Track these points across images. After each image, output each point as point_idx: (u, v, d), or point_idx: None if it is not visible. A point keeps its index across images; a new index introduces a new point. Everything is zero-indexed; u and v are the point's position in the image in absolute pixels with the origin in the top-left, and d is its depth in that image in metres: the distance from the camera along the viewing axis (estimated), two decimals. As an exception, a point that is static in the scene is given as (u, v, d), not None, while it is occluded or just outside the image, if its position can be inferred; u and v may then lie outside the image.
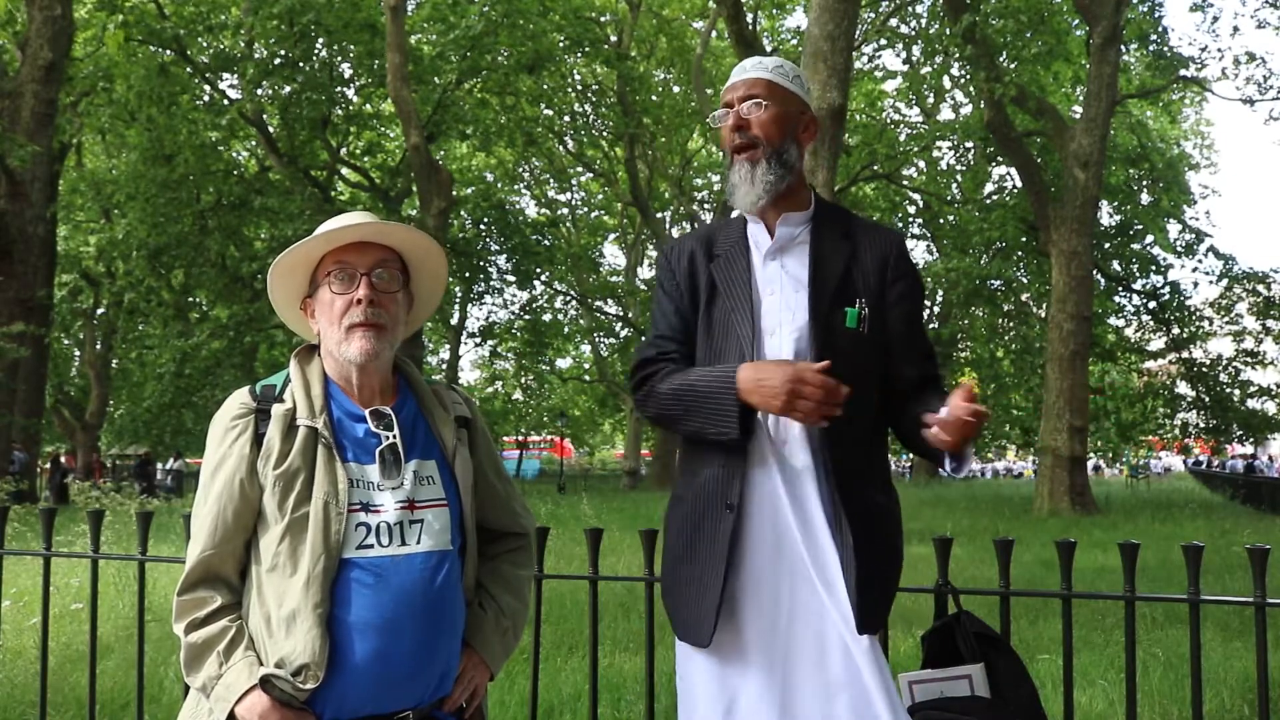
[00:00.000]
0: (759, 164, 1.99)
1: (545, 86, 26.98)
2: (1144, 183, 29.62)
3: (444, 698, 1.79)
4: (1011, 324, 30.36)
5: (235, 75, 24.00)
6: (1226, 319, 25.83)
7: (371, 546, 1.72)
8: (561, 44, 25.55)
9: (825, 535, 1.88)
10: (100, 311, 30.67)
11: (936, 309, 36.12)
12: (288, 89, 23.98)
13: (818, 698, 1.84)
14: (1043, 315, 27.19)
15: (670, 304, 2.10)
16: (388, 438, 1.79)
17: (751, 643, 1.90)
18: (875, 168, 28.08)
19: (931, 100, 32.32)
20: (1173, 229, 29.28)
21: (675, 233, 36.14)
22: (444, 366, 37.01)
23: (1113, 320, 28.69)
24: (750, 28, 17.74)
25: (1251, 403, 24.91)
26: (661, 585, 2.06)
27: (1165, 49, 22.24)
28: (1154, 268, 27.98)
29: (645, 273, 37.53)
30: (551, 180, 36.20)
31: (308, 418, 1.76)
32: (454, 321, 35.82)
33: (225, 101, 24.50)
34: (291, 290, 1.87)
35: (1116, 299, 28.08)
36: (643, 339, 2.19)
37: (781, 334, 1.97)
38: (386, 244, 1.84)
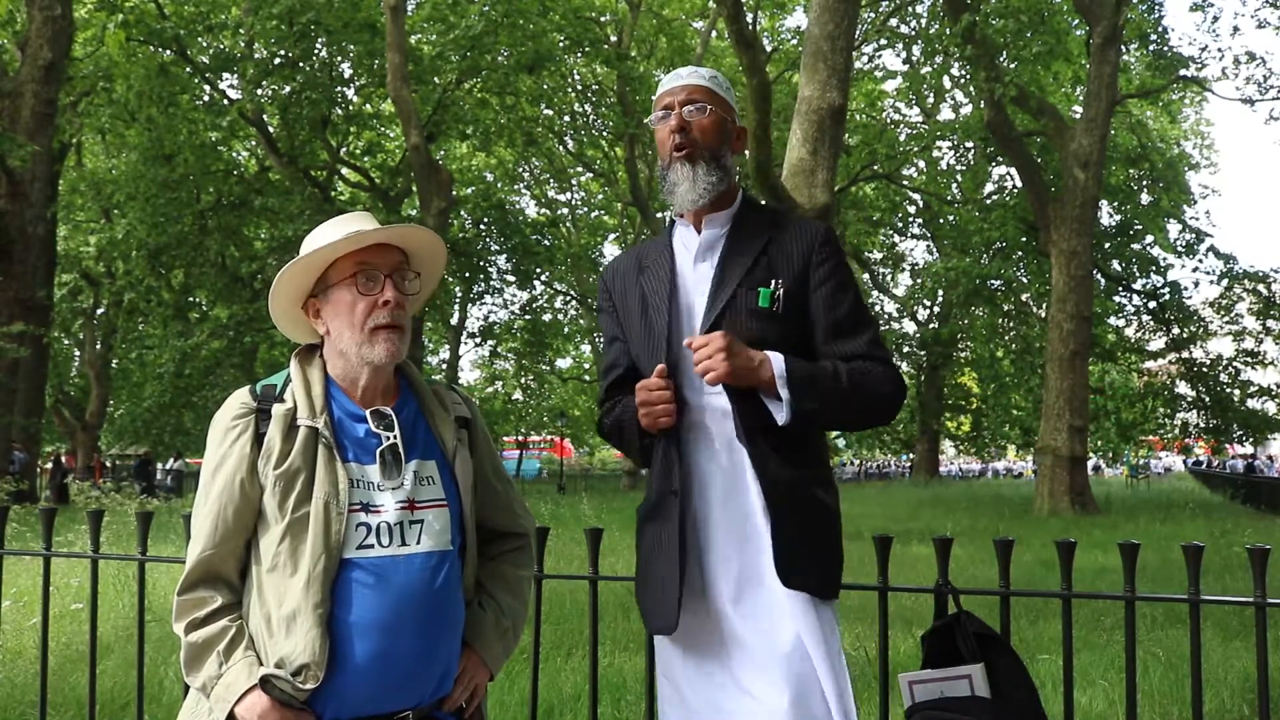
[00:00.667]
0: (699, 164, 2.03)
1: (545, 86, 26.98)
2: (1144, 183, 29.63)
3: (444, 698, 1.79)
4: (1011, 324, 30.37)
5: (235, 75, 24.00)
6: (1226, 319, 25.84)
7: (372, 547, 1.72)
8: (561, 44, 25.54)
9: (756, 509, 1.93)
10: (100, 311, 30.69)
11: (936, 309, 36.14)
12: (288, 89, 23.98)
13: (766, 668, 1.88)
14: (1043, 315, 27.20)
15: (608, 331, 2.20)
16: (388, 438, 1.79)
17: (711, 624, 1.95)
18: (875, 168, 28.09)
19: (931, 100, 32.33)
20: (1173, 229, 29.29)
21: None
22: (444, 366, 37.02)
23: (1113, 320, 28.69)
24: (750, 28, 17.73)
25: (1251, 403, 24.91)
26: (635, 585, 2.11)
27: (1165, 49, 22.23)
28: (1154, 268, 27.99)
29: (645, 273, 37.50)
30: (551, 180, 36.20)
31: (308, 417, 1.76)
32: (454, 321, 35.83)
33: (225, 101, 24.50)
34: (297, 290, 1.86)
35: (1116, 299, 28.08)
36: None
37: (705, 320, 2.00)
38: (403, 245, 1.85)
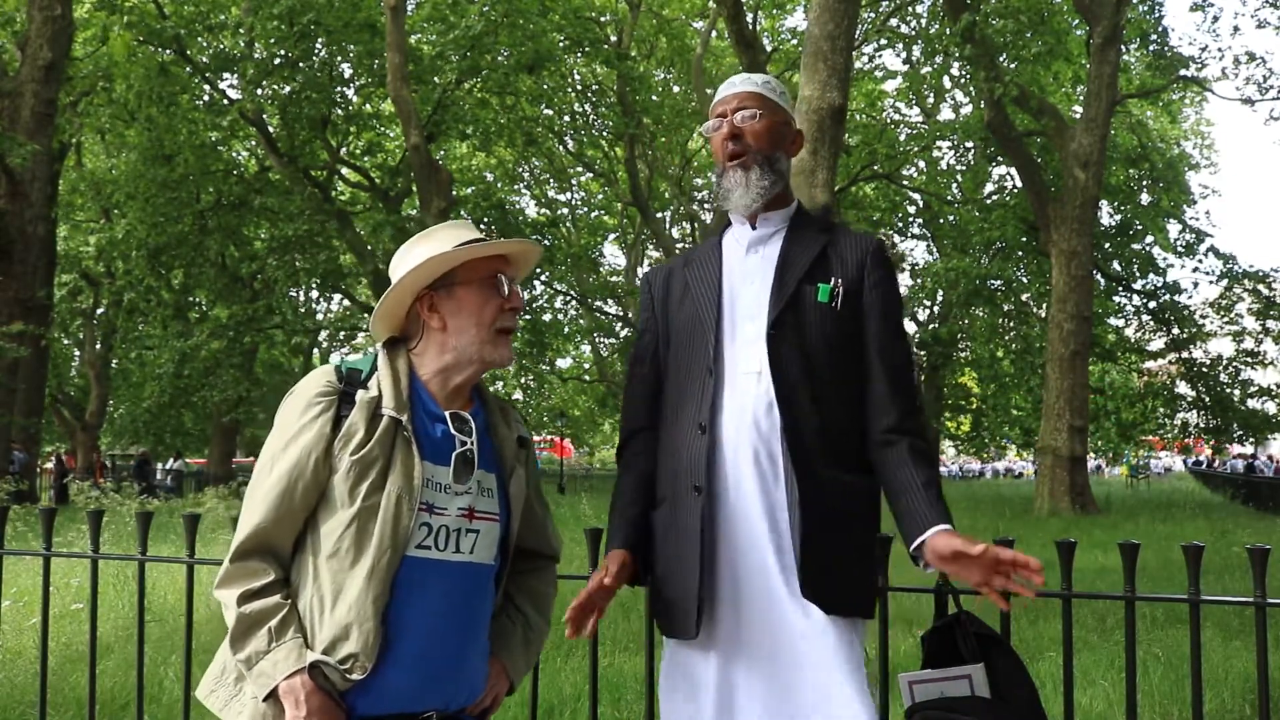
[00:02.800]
0: (751, 169, 2.03)
1: (545, 86, 26.97)
2: (1144, 183, 29.61)
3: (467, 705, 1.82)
4: (1011, 324, 30.35)
5: (235, 75, 23.99)
6: (1226, 319, 25.85)
7: (429, 548, 1.73)
8: (561, 44, 25.54)
9: (784, 519, 1.90)
10: (100, 311, 30.66)
11: (936, 309, 36.13)
12: (288, 89, 23.97)
13: (785, 686, 1.86)
14: (1043, 315, 27.19)
15: (642, 324, 2.18)
16: (465, 442, 1.81)
17: (728, 633, 1.92)
18: (875, 168, 28.09)
19: (931, 100, 32.32)
20: (1173, 229, 29.29)
21: (675, 233, 36.19)
22: (444, 367, 36.99)
23: (1113, 320, 28.69)
24: (750, 28, 17.74)
25: (1252, 403, 24.91)
26: (650, 588, 2.08)
27: (1165, 49, 22.24)
28: (1153, 270, 28.00)
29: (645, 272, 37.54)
30: (551, 180, 36.19)
31: (394, 409, 1.75)
32: (454, 321, 35.76)
33: (225, 101, 24.50)
34: (427, 279, 1.83)
35: (1116, 299, 28.07)
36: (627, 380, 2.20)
37: (760, 319, 1.98)
38: (517, 259, 1.92)
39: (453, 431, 1.80)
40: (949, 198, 31.87)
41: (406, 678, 1.69)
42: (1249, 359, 25.17)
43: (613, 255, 42.43)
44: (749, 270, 2.06)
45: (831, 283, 1.98)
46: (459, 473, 1.78)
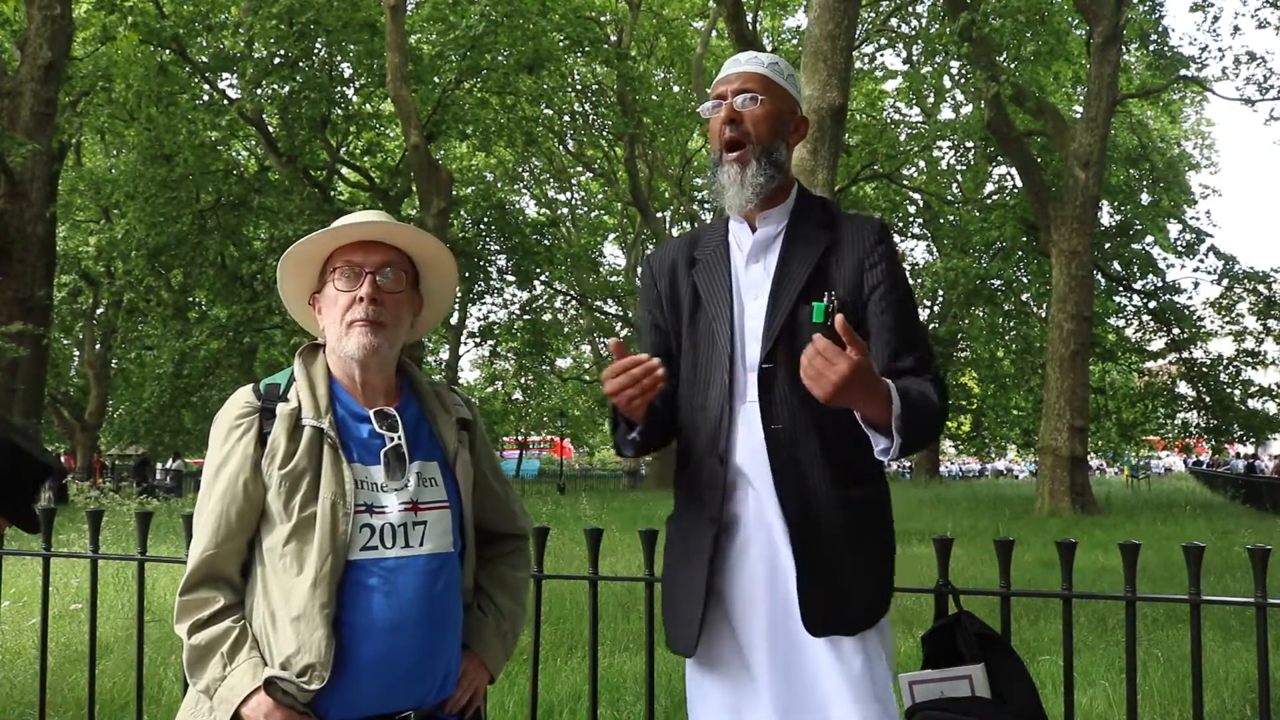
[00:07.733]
0: (748, 165, 1.93)
1: (545, 86, 26.99)
2: (1144, 183, 29.64)
3: (445, 699, 1.80)
4: (1011, 324, 30.37)
5: (235, 75, 24.00)
6: (1227, 319, 25.86)
7: (376, 548, 1.71)
8: (561, 44, 25.55)
9: (784, 540, 1.88)
10: (100, 311, 30.67)
11: (936, 309, 36.16)
12: (287, 89, 23.98)
13: (798, 705, 1.86)
14: (1043, 315, 27.21)
15: (648, 321, 2.09)
16: (392, 439, 1.79)
17: (739, 652, 1.91)
18: (875, 168, 28.12)
19: (931, 100, 32.34)
20: (1173, 229, 29.32)
21: (675, 233, 36.18)
22: (444, 367, 37.01)
23: (1113, 320, 28.71)
24: (750, 28, 17.74)
25: (1252, 403, 24.92)
26: (661, 597, 2.07)
27: (1165, 49, 22.23)
28: (1153, 270, 28.02)
29: (645, 273, 37.59)
30: (551, 180, 36.22)
31: (313, 417, 1.74)
32: (454, 321, 35.83)
33: (225, 101, 24.50)
34: (302, 285, 1.86)
35: (1116, 299, 28.08)
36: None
37: (765, 339, 1.92)
38: (395, 244, 1.83)
39: (379, 430, 1.78)
40: (949, 198, 31.89)
41: (372, 679, 1.68)
42: (1249, 359, 25.17)
43: (613, 255, 42.44)
44: (752, 282, 1.97)
45: (825, 299, 1.81)
46: (391, 469, 1.76)
